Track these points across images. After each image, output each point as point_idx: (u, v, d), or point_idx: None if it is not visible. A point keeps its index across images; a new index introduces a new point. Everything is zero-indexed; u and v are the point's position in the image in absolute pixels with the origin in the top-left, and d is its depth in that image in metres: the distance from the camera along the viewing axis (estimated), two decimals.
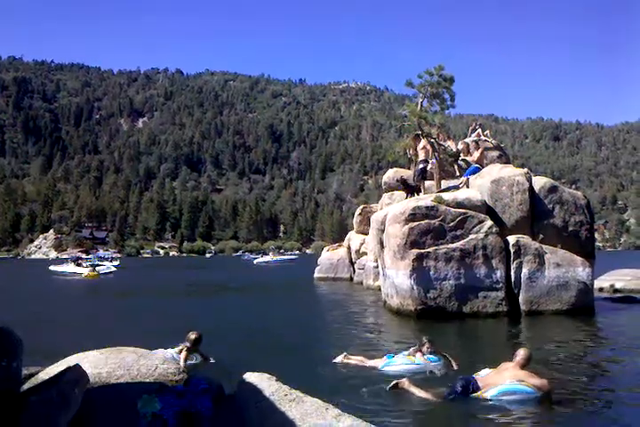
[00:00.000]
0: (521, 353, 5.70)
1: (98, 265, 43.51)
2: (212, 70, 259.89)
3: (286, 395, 3.62)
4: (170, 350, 7.20)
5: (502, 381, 5.57)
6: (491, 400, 5.48)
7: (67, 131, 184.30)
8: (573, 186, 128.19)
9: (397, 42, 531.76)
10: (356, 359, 7.37)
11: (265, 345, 9.25)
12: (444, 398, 5.56)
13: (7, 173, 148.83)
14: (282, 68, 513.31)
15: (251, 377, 4.06)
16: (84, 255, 65.27)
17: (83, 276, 35.36)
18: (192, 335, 7.22)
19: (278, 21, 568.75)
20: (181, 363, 6.78)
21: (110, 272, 38.74)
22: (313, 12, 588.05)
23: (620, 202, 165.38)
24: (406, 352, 7.20)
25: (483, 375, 5.87)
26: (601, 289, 17.18)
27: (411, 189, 16.10)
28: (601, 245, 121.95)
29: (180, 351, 7.11)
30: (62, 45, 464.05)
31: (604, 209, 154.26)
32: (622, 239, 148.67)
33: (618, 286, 17.91)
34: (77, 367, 3.49)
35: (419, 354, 7.03)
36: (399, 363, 6.98)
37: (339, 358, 7.45)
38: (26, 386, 4.39)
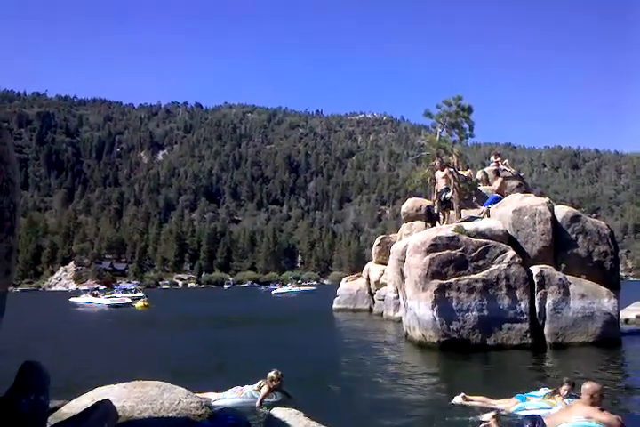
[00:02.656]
0: (586, 388, 5.32)
1: (115, 297, 43.76)
2: (230, 103, 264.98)
3: None
4: (247, 388, 7.19)
5: (569, 418, 5.24)
6: None
7: (88, 164, 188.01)
8: (594, 215, 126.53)
9: (413, 72, 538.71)
10: (477, 400, 6.80)
11: (307, 379, 9.08)
12: None
13: (29, 206, 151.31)
14: (299, 99, 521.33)
15: (278, 413, 4.01)
16: (101, 287, 65.87)
17: (136, 306, 35.32)
18: (273, 374, 7.04)
19: (295, 54, 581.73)
20: (258, 401, 6.80)
21: (127, 304, 38.75)
22: (328, 44, 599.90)
23: None
24: (538, 393, 6.64)
25: (551, 413, 5.65)
26: (627, 320, 16.73)
27: (434, 219, 16.04)
28: (624, 274, 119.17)
29: (259, 389, 7.03)
30: (85, 81, 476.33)
31: (626, 238, 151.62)
32: None
33: None
34: (107, 402, 3.48)
35: (558, 396, 6.39)
36: (537, 407, 6.33)
37: (457, 399, 6.84)
38: (50, 420, 4.38)
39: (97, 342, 16.23)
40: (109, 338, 17.74)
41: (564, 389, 6.44)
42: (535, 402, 6.45)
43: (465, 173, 17.21)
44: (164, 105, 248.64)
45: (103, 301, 40.84)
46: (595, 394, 5.24)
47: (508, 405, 6.55)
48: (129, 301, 39.96)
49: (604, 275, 12.67)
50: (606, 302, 12.06)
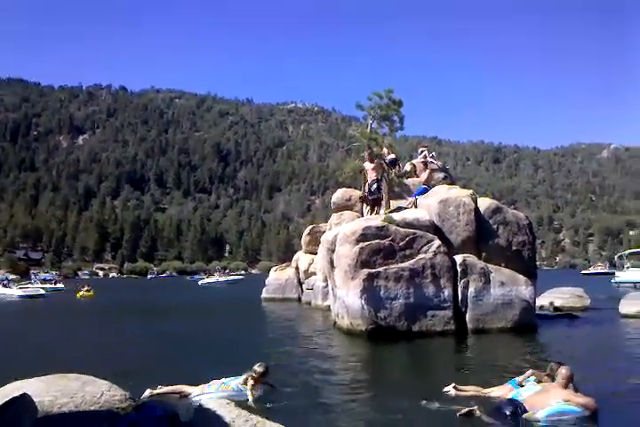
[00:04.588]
0: (562, 372, 5.63)
1: (27, 287, 41.51)
2: (157, 87, 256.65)
3: (247, 420, 3.51)
4: (232, 382, 6.68)
5: (548, 402, 5.51)
6: (540, 422, 5.38)
7: (2, 147, 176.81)
8: (512, 207, 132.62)
9: (343, 64, 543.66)
10: (470, 390, 6.48)
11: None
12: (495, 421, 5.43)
13: None
14: (229, 86, 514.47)
15: (209, 403, 3.92)
16: (10, 276, 62.43)
17: (78, 296, 33.22)
18: (260, 368, 6.62)
19: (225, 39, 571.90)
20: (250, 396, 6.36)
21: (41, 295, 36.87)
22: (260, 32, 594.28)
23: (555, 222, 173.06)
24: (530, 378, 6.42)
25: (526, 397, 5.80)
26: (541, 307, 17.71)
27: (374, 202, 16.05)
28: (538, 263, 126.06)
29: (245, 383, 6.58)
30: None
31: (541, 229, 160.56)
32: (558, 258, 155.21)
33: (557, 303, 18.54)
34: (25, 396, 3.27)
35: (549, 379, 6.22)
36: (533, 391, 6.04)
37: (449, 390, 6.47)
38: None
39: (8, 337, 15.35)
40: (24, 332, 16.82)
41: (557, 372, 6.16)
42: (530, 387, 6.26)
43: (392, 155, 17.31)
44: (85, 87, 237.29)
45: (15, 291, 38.67)
46: (568, 377, 5.56)
47: (503, 393, 6.29)
48: (43, 292, 38.06)
49: (522, 263, 13.31)
50: (524, 289, 12.68)
